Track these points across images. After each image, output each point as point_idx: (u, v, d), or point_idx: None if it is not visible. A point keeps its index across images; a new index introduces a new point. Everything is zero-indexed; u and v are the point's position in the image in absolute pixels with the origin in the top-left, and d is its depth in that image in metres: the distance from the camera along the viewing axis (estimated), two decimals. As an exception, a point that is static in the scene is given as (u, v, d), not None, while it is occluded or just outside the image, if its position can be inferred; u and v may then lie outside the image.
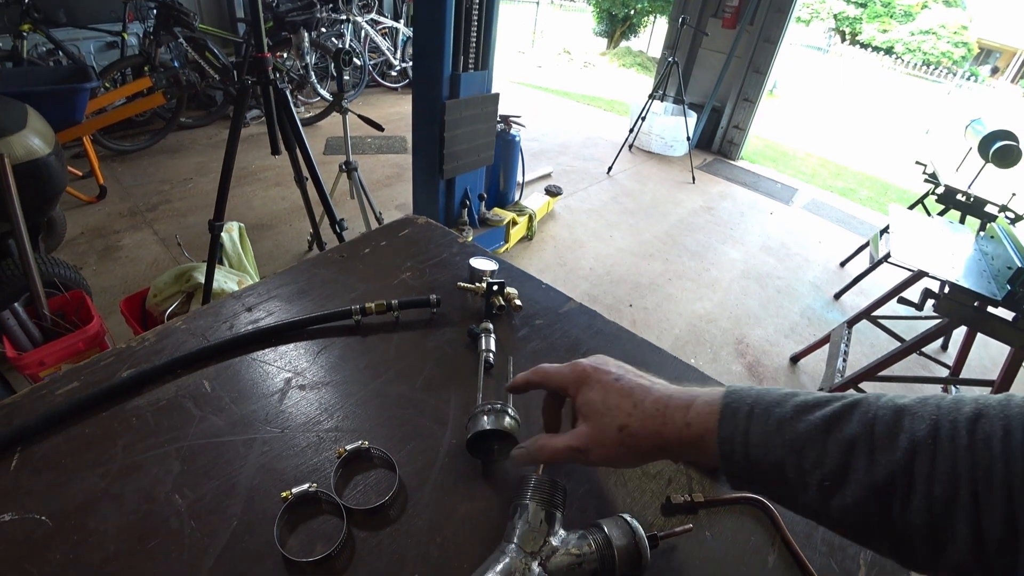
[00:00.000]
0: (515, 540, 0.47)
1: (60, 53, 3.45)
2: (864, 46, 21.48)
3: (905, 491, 0.35)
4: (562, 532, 0.48)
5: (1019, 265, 1.66)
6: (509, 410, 0.57)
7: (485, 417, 0.56)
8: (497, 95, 2.53)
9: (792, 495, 0.40)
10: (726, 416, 0.43)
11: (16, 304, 1.63)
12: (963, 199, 2.92)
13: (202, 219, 2.92)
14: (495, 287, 0.79)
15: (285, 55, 4.18)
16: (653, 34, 12.62)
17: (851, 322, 2.46)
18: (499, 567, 0.45)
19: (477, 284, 0.82)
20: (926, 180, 3.09)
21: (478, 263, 0.85)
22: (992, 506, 0.32)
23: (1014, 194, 2.78)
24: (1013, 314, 1.68)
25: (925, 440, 0.35)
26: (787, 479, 0.40)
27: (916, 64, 20.15)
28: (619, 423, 0.47)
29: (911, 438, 0.35)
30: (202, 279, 1.81)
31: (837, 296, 3.31)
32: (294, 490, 0.52)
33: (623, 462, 0.49)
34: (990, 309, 1.77)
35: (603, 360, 0.53)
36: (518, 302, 0.80)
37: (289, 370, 0.67)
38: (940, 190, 2.98)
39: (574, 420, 0.51)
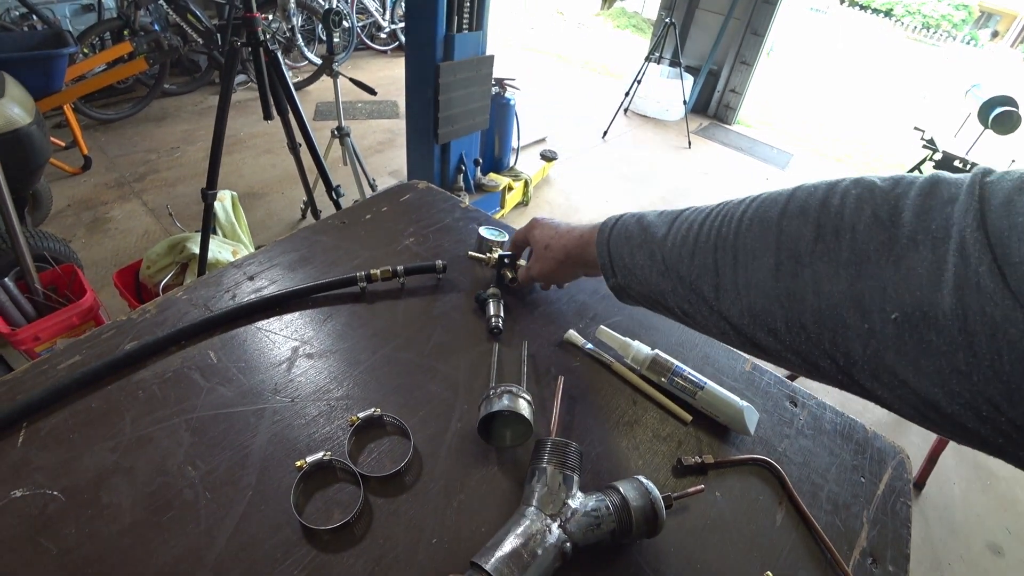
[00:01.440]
0: (534, 503, 0.47)
1: (34, 17, 3.30)
2: (864, 8, 21.08)
3: (677, 264, 0.46)
4: (580, 494, 0.49)
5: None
6: (524, 394, 0.56)
7: (497, 400, 0.55)
8: (492, 57, 2.46)
9: (635, 281, 0.52)
10: (601, 227, 0.58)
11: (6, 279, 1.60)
12: (960, 166, 2.91)
13: (192, 188, 2.87)
14: (506, 259, 0.78)
15: (270, 17, 4.04)
16: (648, -6, 12.29)
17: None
18: (519, 529, 0.45)
19: (488, 255, 0.81)
20: (924, 146, 3.07)
21: (487, 232, 0.83)
22: (724, 268, 0.41)
23: (1013, 160, 2.77)
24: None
25: (696, 225, 0.46)
26: (627, 267, 0.52)
27: (916, 27, 19.82)
28: (544, 244, 0.68)
29: (690, 224, 0.47)
30: (196, 249, 1.78)
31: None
32: (309, 459, 0.52)
33: (549, 271, 0.68)
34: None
35: (546, 216, 0.72)
36: (519, 279, 0.78)
37: (296, 339, 0.66)
38: (937, 156, 2.96)
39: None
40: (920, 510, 1.91)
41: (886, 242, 0.32)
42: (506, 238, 0.84)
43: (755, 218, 0.41)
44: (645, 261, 0.50)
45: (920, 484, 1.97)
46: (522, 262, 0.78)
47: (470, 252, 0.82)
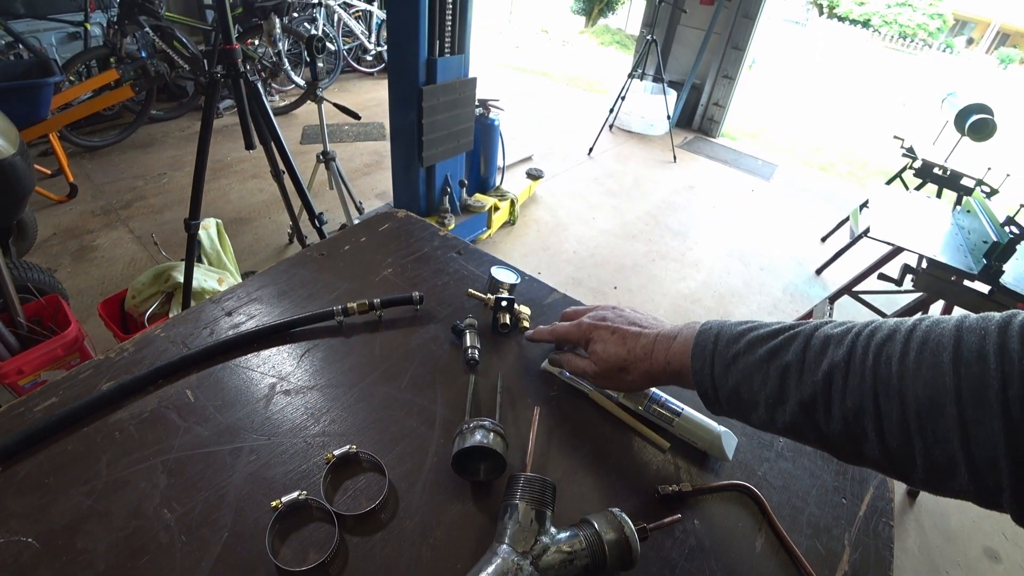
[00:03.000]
0: (506, 540, 0.47)
1: (20, 46, 3.32)
2: (842, 19, 21.53)
3: (826, 405, 0.44)
4: (553, 530, 0.49)
5: (994, 239, 1.70)
6: (498, 428, 0.57)
7: (469, 435, 0.55)
8: (475, 79, 2.49)
9: (749, 414, 0.51)
10: (695, 355, 0.54)
11: (-10, 311, 1.59)
12: (940, 173, 2.96)
13: (179, 215, 2.86)
14: (504, 303, 0.75)
15: (256, 42, 4.07)
16: (631, 11, 12.50)
17: (832, 298, 2.50)
18: (491, 568, 0.45)
19: (488, 295, 0.78)
20: (903, 154, 3.12)
21: (500, 274, 0.80)
22: (890, 412, 0.40)
23: (989, 168, 2.82)
24: (989, 287, 1.72)
25: (840, 363, 0.44)
26: (743, 400, 0.50)
27: (892, 37, 20.25)
28: (618, 366, 0.61)
29: (831, 362, 0.45)
30: (181, 278, 1.78)
31: (819, 271, 3.36)
32: (284, 498, 0.51)
33: (623, 388, 0.65)
34: (967, 283, 1.81)
35: (602, 316, 0.66)
36: (527, 324, 0.76)
37: (273, 375, 0.66)
38: (917, 164, 3.02)
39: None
40: (915, 518, 1.91)
41: None
42: (517, 280, 0.81)
43: (921, 363, 0.40)
44: (773, 396, 0.48)
45: (914, 492, 1.98)
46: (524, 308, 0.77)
47: (469, 291, 0.80)
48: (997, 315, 0.39)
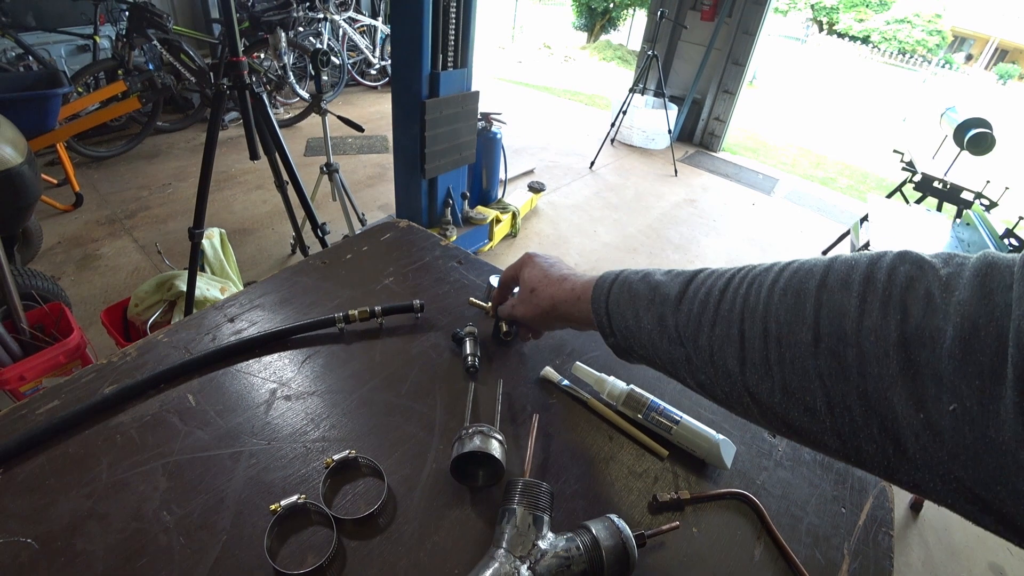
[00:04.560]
0: (503, 545, 0.48)
1: (30, 58, 3.37)
2: (841, 35, 21.74)
3: (695, 334, 0.43)
4: (550, 535, 0.49)
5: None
6: (497, 434, 0.57)
7: (468, 441, 0.55)
8: (477, 93, 2.52)
9: (638, 347, 0.50)
10: (598, 284, 0.55)
11: (-7, 318, 1.60)
12: (940, 186, 2.98)
13: (182, 225, 2.88)
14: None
15: (262, 55, 4.12)
16: (633, 27, 12.64)
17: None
18: (489, 572, 0.45)
19: (488, 304, 0.79)
20: (903, 168, 3.14)
21: (497, 282, 0.79)
22: (753, 340, 0.39)
23: (988, 181, 2.84)
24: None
25: (716, 292, 0.43)
26: (630, 329, 0.50)
27: (892, 53, 20.44)
28: (531, 287, 0.64)
29: (707, 291, 0.44)
30: (184, 287, 1.79)
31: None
32: (283, 502, 0.52)
33: (531, 316, 0.65)
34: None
35: (541, 254, 0.69)
36: (501, 322, 0.76)
37: (274, 381, 0.67)
38: (917, 178, 3.04)
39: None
40: (919, 533, 1.90)
41: (941, 327, 0.30)
42: (517, 288, 0.82)
43: (788, 289, 0.38)
44: (653, 325, 0.47)
45: (917, 506, 1.96)
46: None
47: (471, 299, 0.81)
48: (873, 252, 0.37)
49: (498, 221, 3.06)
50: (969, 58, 23.28)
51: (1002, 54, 23.21)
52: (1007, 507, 0.28)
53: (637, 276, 0.51)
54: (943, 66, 20.63)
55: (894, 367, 0.31)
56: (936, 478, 0.30)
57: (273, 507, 0.51)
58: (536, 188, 3.62)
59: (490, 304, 0.80)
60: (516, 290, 0.72)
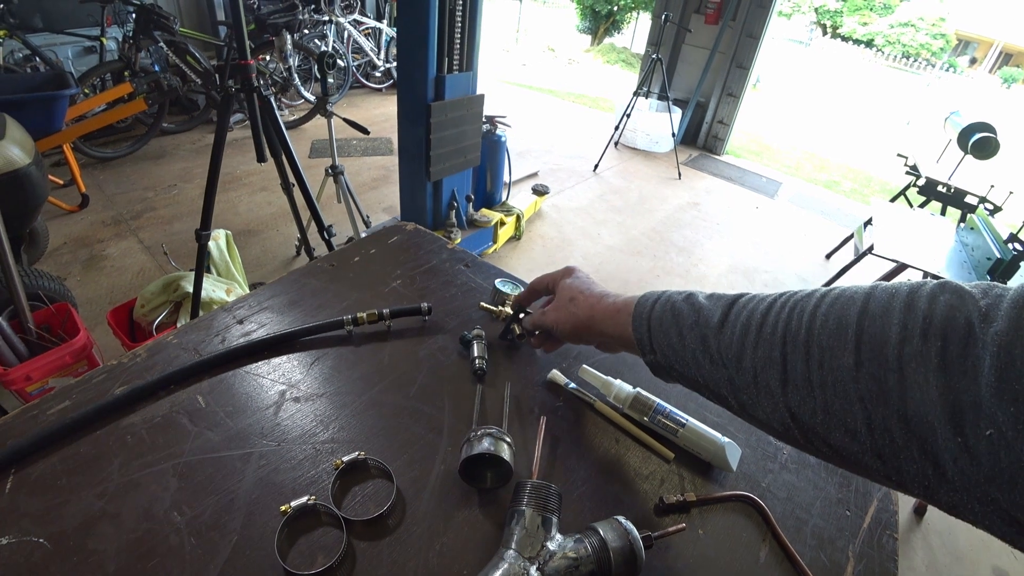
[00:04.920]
0: (513, 546, 0.48)
1: (37, 59, 3.39)
2: (845, 39, 21.72)
3: (739, 356, 0.45)
4: (558, 536, 0.49)
5: (998, 256, 1.70)
6: (505, 436, 0.57)
7: (477, 443, 0.56)
8: (482, 96, 2.53)
9: (678, 365, 0.51)
10: (640, 301, 0.57)
11: (0, 318, 1.61)
12: (944, 190, 2.98)
13: (188, 226, 2.90)
14: (521, 315, 0.76)
15: (268, 58, 4.14)
16: (636, 30, 12.66)
17: (837, 314, 2.49)
18: (498, 573, 0.45)
19: (500, 308, 0.80)
20: (907, 172, 3.14)
21: (503, 286, 0.82)
22: (795, 363, 0.40)
23: (993, 185, 2.84)
24: (993, 304, 1.72)
25: (757, 316, 0.45)
26: (673, 348, 0.51)
27: (896, 56, 20.41)
28: (570, 296, 0.65)
29: (749, 315, 0.45)
30: (190, 288, 1.80)
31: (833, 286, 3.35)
32: (293, 503, 0.52)
33: (564, 324, 0.65)
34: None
35: (580, 269, 0.70)
36: (525, 327, 0.75)
37: (283, 382, 0.67)
38: (921, 182, 3.03)
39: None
40: (923, 536, 1.89)
41: (980, 355, 0.31)
42: (519, 291, 0.83)
43: (830, 315, 0.39)
44: (696, 345, 0.49)
45: (921, 510, 1.96)
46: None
47: (481, 303, 0.82)
48: (912, 281, 0.39)
49: (502, 224, 3.07)
50: (973, 61, 23.24)
51: (1006, 58, 23.17)
52: None
53: (680, 297, 0.53)
54: (947, 70, 20.59)
55: (934, 392, 0.32)
56: (974, 500, 0.31)
57: (283, 508, 0.52)
58: (540, 191, 3.63)
59: (500, 308, 0.80)
60: (542, 299, 0.73)
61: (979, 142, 2.74)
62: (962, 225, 2.34)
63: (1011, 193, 2.73)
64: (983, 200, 2.83)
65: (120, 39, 3.75)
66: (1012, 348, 0.29)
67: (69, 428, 0.57)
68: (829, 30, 22.36)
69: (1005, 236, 1.92)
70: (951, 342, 0.32)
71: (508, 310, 0.79)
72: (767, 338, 0.43)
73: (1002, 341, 0.30)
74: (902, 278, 2.43)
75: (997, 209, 2.76)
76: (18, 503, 0.51)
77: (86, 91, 3.26)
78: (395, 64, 5.52)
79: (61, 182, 3.03)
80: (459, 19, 2.22)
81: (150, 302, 1.81)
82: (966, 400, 0.31)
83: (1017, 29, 21.67)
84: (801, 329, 0.41)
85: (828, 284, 3.36)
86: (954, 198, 2.96)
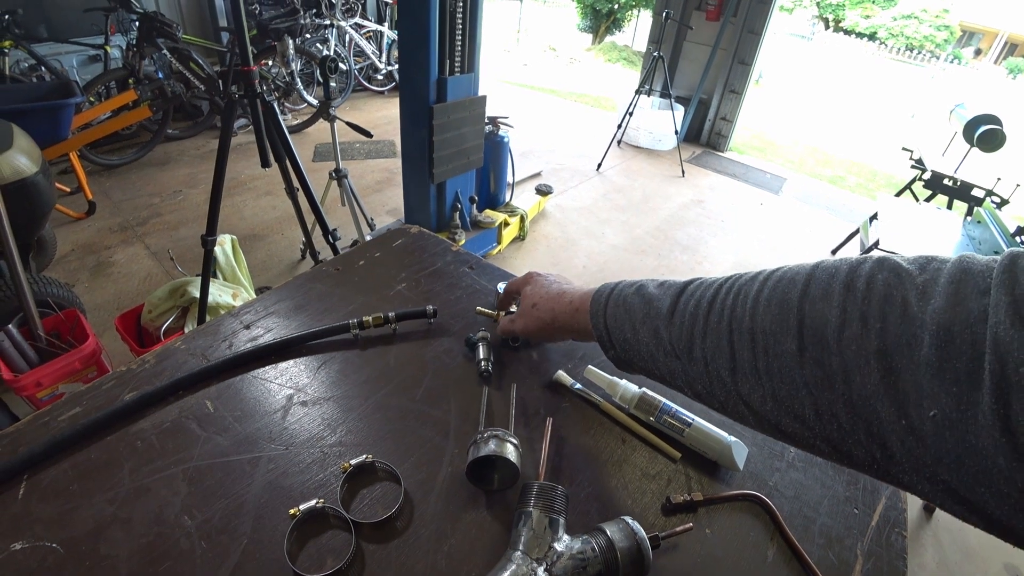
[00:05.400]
0: (520, 547, 0.48)
1: (43, 68, 3.42)
2: (848, 32, 21.61)
3: (688, 347, 0.45)
4: (566, 537, 0.50)
5: (1005, 249, 1.69)
6: (511, 438, 0.57)
7: (483, 445, 0.56)
8: (484, 97, 2.53)
9: (637, 359, 0.51)
10: (595, 298, 0.57)
11: (10, 326, 1.63)
12: (950, 184, 2.96)
13: (193, 232, 2.92)
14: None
15: (270, 63, 4.16)
16: (637, 28, 12.63)
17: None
18: (506, 574, 0.46)
19: (498, 312, 0.81)
20: (913, 166, 3.12)
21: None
22: (742, 350, 0.40)
23: (999, 178, 2.82)
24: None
25: (704, 304, 0.44)
26: (628, 342, 0.51)
27: (899, 49, 20.28)
28: (532, 302, 0.67)
29: (697, 304, 0.45)
30: (197, 293, 1.81)
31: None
32: (302, 506, 0.53)
33: (532, 329, 0.67)
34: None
35: (544, 272, 0.72)
36: (500, 332, 0.76)
37: (290, 387, 0.68)
38: (927, 176, 3.02)
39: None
40: (934, 533, 1.88)
41: (918, 335, 0.30)
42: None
43: (772, 299, 0.39)
44: (649, 338, 0.48)
45: (931, 507, 1.95)
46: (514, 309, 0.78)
47: (478, 308, 0.82)
48: (853, 258, 0.38)
49: (506, 224, 3.07)
50: (978, 53, 23.07)
51: (1011, 48, 22.98)
52: (991, 508, 0.28)
53: (631, 289, 0.53)
54: (951, 61, 20.45)
55: (875, 375, 0.32)
56: (924, 480, 0.31)
57: (292, 511, 0.52)
58: (544, 191, 3.63)
59: (498, 312, 0.81)
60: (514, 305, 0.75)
61: (985, 134, 2.72)
62: (969, 218, 2.32)
63: (1018, 186, 2.71)
64: (990, 193, 2.81)
65: (124, 47, 3.78)
66: (950, 325, 0.29)
67: (80, 434, 0.58)
68: (831, 24, 22.24)
69: (1012, 229, 1.91)
70: (889, 323, 0.32)
71: (502, 314, 0.79)
72: (714, 327, 0.42)
73: (940, 319, 0.30)
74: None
75: (1004, 202, 2.74)
76: (31, 509, 0.52)
77: (91, 99, 3.28)
78: (397, 67, 5.53)
79: (68, 190, 3.06)
80: (460, 21, 2.22)
81: (157, 307, 1.82)
82: (908, 381, 0.30)
83: (1022, 19, 21.50)
84: (745, 315, 0.40)
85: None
86: (960, 191, 2.94)
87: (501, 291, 0.82)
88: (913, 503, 1.94)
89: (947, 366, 0.29)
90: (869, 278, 0.34)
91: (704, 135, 5.52)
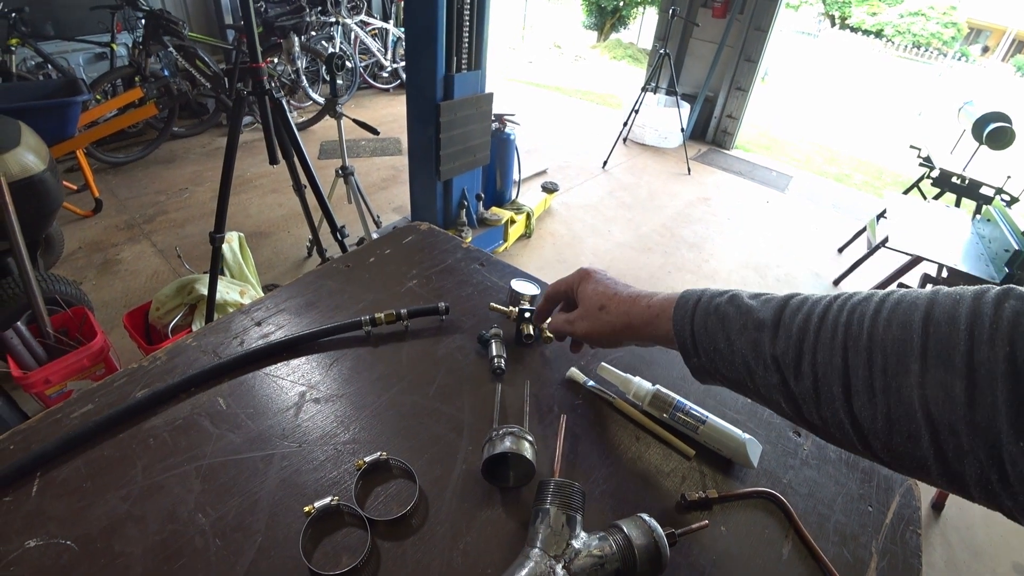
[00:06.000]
0: (538, 544, 0.48)
1: (49, 66, 3.43)
2: (854, 30, 21.48)
3: (796, 361, 0.43)
4: (583, 534, 0.49)
5: (1016, 247, 1.68)
6: (526, 435, 0.57)
7: (499, 442, 0.56)
8: (491, 95, 2.53)
9: (724, 369, 0.50)
10: (679, 303, 0.54)
11: (19, 323, 1.63)
12: (958, 182, 2.94)
13: (200, 229, 2.92)
14: (527, 314, 0.75)
15: (276, 60, 4.16)
16: (643, 25, 12.58)
17: (851, 308, 2.47)
18: (524, 571, 0.45)
19: (510, 308, 0.78)
20: (921, 164, 3.10)
21: (519, 286, 0.80)
22: (857, 368, 0.39)
23: (1009, 176, 2.79)
24: (1012, 296, 1.70)
25: (814, 320, 0.43)
26: (719, 352, 0.49)
27: (906, 46, 20.15)
28: (599, 304, 0.62)
29: (805, 318, 0.44)
30: (204, 291, 1.81)
31: (836, 283, 3.33)
32: (316, 504, 0.52)
33: (598, 334, 0.62)
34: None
35: (599, 268, 0.67)
36: (549, 334, 0.74)
37: (303, 384, 0.68)
38: (935, 173, 3.00)
39: (574, 307, 0.67)
40: (942, 532, 1.87)
41: None
42: (538, 292, 0.81)
43: (893, 320, 0.39)
44: (748, 350, 0.47)
45: (939, 506, 1.94)
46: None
47: (491, 304, 0.81)
48: (974, 287, 0.39)
49: (512, 222, 3.07)
50: (985, 50, 22.90)
51: (1019, 46, 22.79)
52: None
53: (723, 298, 0.51)
54: (959, 59, 20.30)
55: (1001, 396, 0.32)
56: None
57: (307, 509, 0.52)
58: (550, 188, 3.62)
59: (511, 309, 0.78)
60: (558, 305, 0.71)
61: (994, 132, 2.70)
62: (978, 217, 2.30)
63: (1028, 183, 2.69)
64: (999, 191, 2.79)
65: (130, 45, 3.79)
66: None
67: (92, 431, 0.58)
68: (838, 21, 22.11)
69: (1023, 227, 1.89)
70: (1018, 349, 0.32)
71: (515, 311, 0.77)
72: (826, 342, 0.42)
73: None
74: (918, 271, 2.40)
75: (1014, 200, 2.72)
76: (44, 506, 0.52)
77: (98, 97, 3.29)
78: (402, 64, 5.53)
79: (75, 187, 3.07)
80: (467, 18, 2.21)
81: (165, 305, 1.82)
82: None
83: (1030, 16, 21.32)
84: (863, 334, 0.40)
85: (841, 278, 3.33)
86: (969, 189, 2.92)
87: (515, 288, 0.80)
88: (921, 501, 1.93)
89: None
90: (997, 303, 0.35)
91: (710, 133, 5.50)
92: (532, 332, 0.75)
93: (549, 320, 0.72)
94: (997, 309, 0.35)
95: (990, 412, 0.33)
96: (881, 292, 0.42)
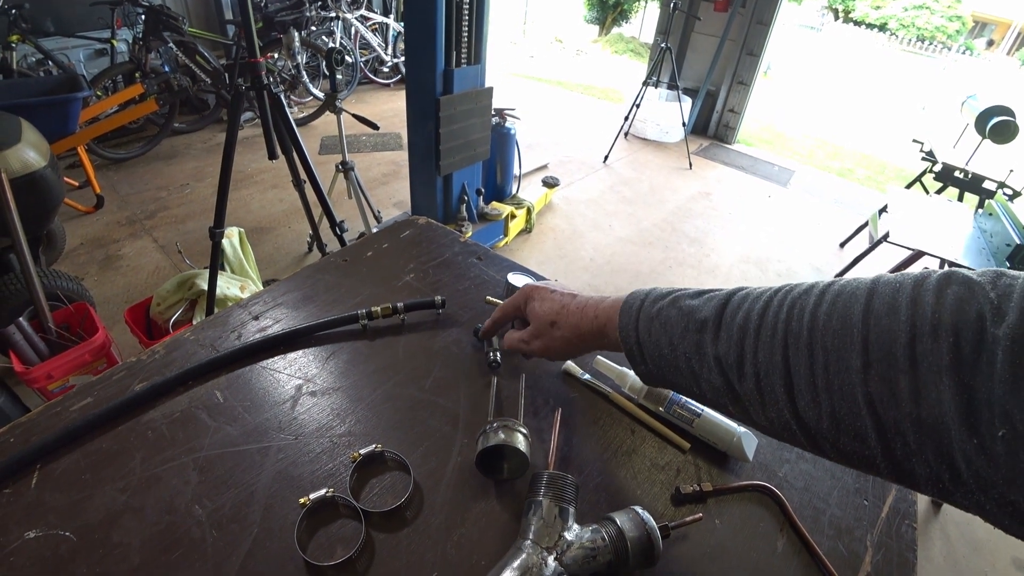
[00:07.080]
0: (530, 536, 0.48)
1: (50, 63, 3.43)
2: (858, 23, 21.34)
3: (739, 362, 0.42)
4: (576, 526, 0.50)
5: (1018, 242, 1.67)
6: (521, 428, 0.57)
7: (493, 434, 0.56)
8: (491, 89, 2.52)
9: (672, 375, 0.48)
10: (623, 310, 0.53)
11: (21, 319, 1.64)
12: (961, 176, 2.92)
13: (201, 225, 2.92)
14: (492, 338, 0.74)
15: (276, 55, 4.16)
16: (645, 19, 12.52)
17: (852, 303, 2.47)
18: (516, 563, 0.46)
19: (483, 333, 0.76)
20: (923, 158, 3.09)
21: (516, 280, 0.81)
22: (799, 367, 0.38)
23: (1012, 170, 2.78)
24: (1013, 290, 1.69)
25: (754, 317, 0.42)
26: (664, 359, 0.48)
27: (910, 40, 20.01)
28: (550, 320, 0.61)
29: (746, 316, 0.42)
30: (205, 286, 1.81)
31: (838, 277, 3.31)
32: (312, 495, 0.53)
33: (553, 351, 0.62)
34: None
35: (544, 282, 0.67)
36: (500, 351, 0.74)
37: (299, 377, 0.68)
38: (937, 168, 2.98)
39: (524, 325, 0.67)
40: (941, 527, 1.87)
41: (992, 350, 0.29)
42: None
43: (833, 313, 0.37)
44: (691, 353, 0.45)
45: (938, 500, 1.94)
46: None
47: (488, 298, 0.81)
48: (915, 271, 0.37)
49: (513, 217, 3.06)
50: (990, 44, 22.74)
51: (1025, 39, 22.64)
52: None
53: (666, 301, 0.49)
54: (963, 52, 20.16)
55: (947, 392, 0.31)
56: (991, 501, 0.30)
57: (302, 500, 0.52)
58: (550, 183, 3.62)
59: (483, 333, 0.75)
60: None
61: (998, 126, 2.69)
62: (980, 211, 2.29)
63: (1031, 177, 2.68)
64: (1002, 185, 2.78)
65: (130, 41, 3.78)
66: None
67: (91, 424, 0.59)
68: (841, 14, 21.97)
69: (1025, 221, 1.88)
70: (963, 338, 0.31)
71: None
72: (767, 341, 0.40)
73: (1015, 335, 0.29)
74: (919, 265, 2.39)
75: (1016, 194, 2.71)
76: (44, 498, 0.52)
77: (98, 93, 3.29)
78: (402, 59, 5.51)
79: (76, 184, 3.07)
80: (466, 12, 2.21)
81: (166, 300, 1.83)
82: (980, 398, 0.29)
83: (1036, 10, 21.16)
84: (803, 330, 0.38)
85: (842, 273, 3.33)
86: (972, 184, 2.90)
87: (511, 282, 0.80)
88: (921, 496, 1.93)
89: (1021, 383, 0.28)
90: (938, 291, 0.33)
91: (712, 127, 5.48)
92: (498, 359, 0.72)
93: (504, 339, 0.70)
94: (939, 296, 0.33)
95: (936, 409, 0.31)
96: (823, 282, 0.41)
